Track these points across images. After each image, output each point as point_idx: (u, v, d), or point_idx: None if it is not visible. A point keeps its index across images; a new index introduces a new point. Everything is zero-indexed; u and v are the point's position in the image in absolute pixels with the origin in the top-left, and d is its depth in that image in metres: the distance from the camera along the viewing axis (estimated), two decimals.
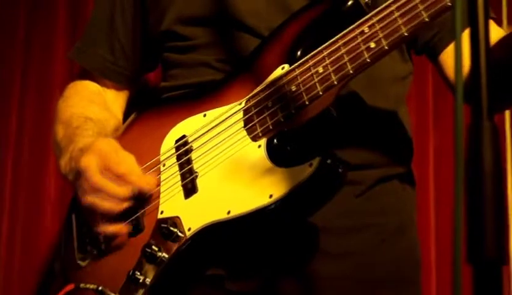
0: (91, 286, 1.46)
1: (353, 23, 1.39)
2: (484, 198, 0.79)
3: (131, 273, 1.45)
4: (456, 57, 0.81)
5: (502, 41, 1.43)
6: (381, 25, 1.35)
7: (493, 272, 0.78)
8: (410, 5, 1.31)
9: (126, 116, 1.75)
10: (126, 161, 1.46)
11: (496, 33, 1.46)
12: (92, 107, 1.71)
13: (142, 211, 1.49)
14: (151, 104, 1.66)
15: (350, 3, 1.42)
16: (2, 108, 2.85)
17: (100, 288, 1.45)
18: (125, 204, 1.45)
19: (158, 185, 1.51)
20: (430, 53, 1.64)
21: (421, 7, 1.30)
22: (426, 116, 2.46)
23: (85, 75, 1.80)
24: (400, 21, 1.32)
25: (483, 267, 0.78)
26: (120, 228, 1.47)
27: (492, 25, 1.46)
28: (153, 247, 1.45)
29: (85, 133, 1.56)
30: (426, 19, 1.30)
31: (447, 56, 1.59)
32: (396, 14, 1.33)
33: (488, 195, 0.78)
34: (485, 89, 0.80)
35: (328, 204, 1.42)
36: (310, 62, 1.41)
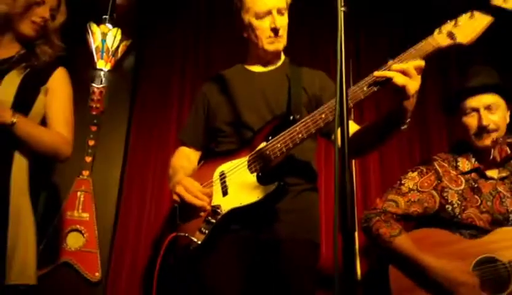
0: (182, 233, 1.50)
1: (293, 125, 1.42)
2: (347, 202, 0.82)
3: (199, 228, 1.48)
4: (335, 139, 0.87)
5: (356, 133, 1.45)
6: (304, 127, 1.39)
7: (352, 237, 0.80)
8: (316, 120, 1.36)
9: (198, 163, 1.74)
10: (197, 186, 1.47)
11: (353, 127, 1.48)
12: (183, 161, 1.69)
13: None
14: (210, 157, 1.66)
15: (291, 118, 1.46)
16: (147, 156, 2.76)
17: (186, 235, 1.48)
18: (200, 205, 1.45)
19: (211, 194, 1.50)
20: (327, 137, 1.64)
21: (320, 121, 1.36)
22: (321, 164, 2.34)
23: (183, 143, 1.80)
24: (312, 126, 1.37)
25: (347, 233, 0.80)
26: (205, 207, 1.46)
27: (351, 123, 1.47)
28: (209, 217, 1.48)
29: (178, 174, 1.56)
30: (322, 125, 1.36)
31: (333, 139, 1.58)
32: (310, 122, 1.38)
33: (349, 202, 0.82)
34: (347, 156, 0.85)
35: (282, 200, 1.46)
36: (275, 142, 1.43)
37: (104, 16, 2.78)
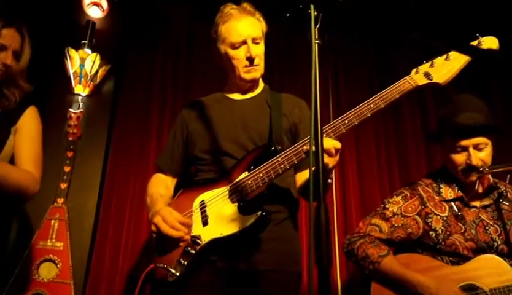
0: (160, 265, 1.46)
1: (275, 156, 1.44)
2: (322, 235, 0.82)
3: (178, 259, 1.46)
4: (310, 175, 0.88)
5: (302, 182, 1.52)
6: (286, 158, 1.41)
7: (327, 272, 0.80)
8: (298, 151, 1.39)
9: (176, 190, 1.71)
10: (175, 216, 1.46)
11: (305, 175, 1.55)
12: (161, 188, 1.68)
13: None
14: (189, 186, 1.63)
15: (272, 149, 1.49)
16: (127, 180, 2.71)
17: (165, 266, 1.46)
18: (178, 236, 1.43)
19: (191, 224, 1.49)
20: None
21: (302, 152, 1.39)
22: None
23: (160, 169, 1.77)
24: (294, 157, 1.39)
25: (322, 268, 0.80)
26: (183, 238, 1.44)
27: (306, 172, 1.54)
28: (188, 248, 1.46)
29: (157, 204, 1.54)
30: (304, 157, 1.38)
31: (298, 177, 1.64)
32: (292, 154, 1.40)
33: (324, 234, 0.82)
34: (322, 193, 0.86)
35: (264, 230, 1.44)
36: (256, 172, 1.44)
37: (83, 42, 2.78)
